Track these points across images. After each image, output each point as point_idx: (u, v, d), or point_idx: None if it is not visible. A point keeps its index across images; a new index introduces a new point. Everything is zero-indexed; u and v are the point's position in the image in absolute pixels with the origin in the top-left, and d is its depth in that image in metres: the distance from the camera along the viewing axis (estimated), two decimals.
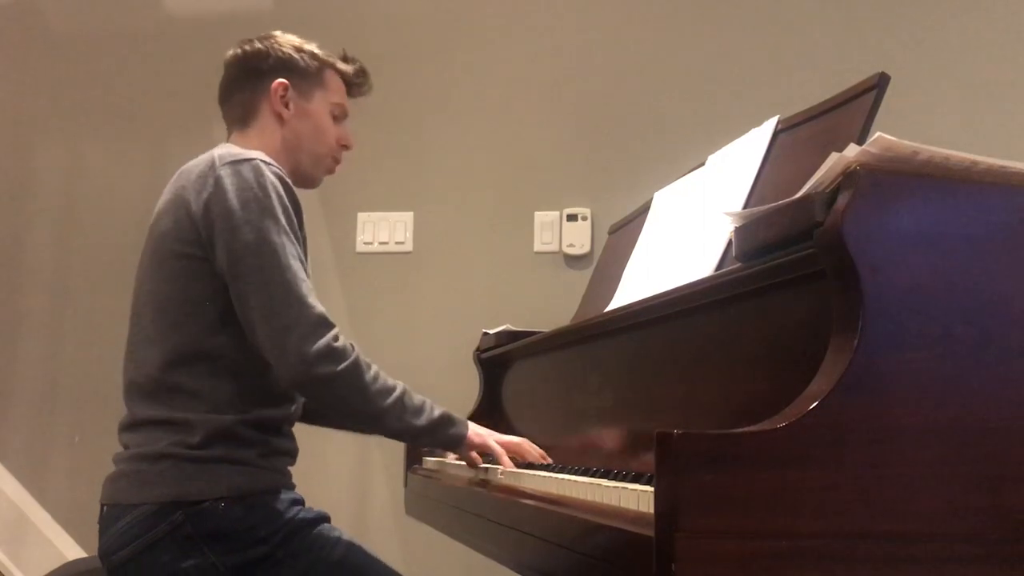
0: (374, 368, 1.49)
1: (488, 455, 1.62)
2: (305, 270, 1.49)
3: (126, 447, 1.51)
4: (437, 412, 1.55)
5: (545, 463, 1.62)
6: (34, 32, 3.10)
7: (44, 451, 2.93)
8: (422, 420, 1.52)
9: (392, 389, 1.49)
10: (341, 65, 1.75)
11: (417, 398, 1.53)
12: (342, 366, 1.42)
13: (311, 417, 1.76)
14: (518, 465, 1.59)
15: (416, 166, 2.87)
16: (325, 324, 1.44)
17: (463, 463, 1.69)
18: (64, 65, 3.08)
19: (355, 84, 1.78)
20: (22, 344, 2.99)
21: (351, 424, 1.73)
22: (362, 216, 2.86)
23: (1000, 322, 0.95)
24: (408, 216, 2.84)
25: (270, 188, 1.47)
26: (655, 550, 0.85)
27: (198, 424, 1.45)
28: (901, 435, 0.90)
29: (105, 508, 1.49)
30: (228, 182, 1.47)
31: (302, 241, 1.53)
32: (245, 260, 1.44)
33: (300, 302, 1.43)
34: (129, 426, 1.51)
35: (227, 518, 1.42)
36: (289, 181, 1.53)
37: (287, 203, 1.49)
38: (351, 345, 1.46)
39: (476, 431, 1.62)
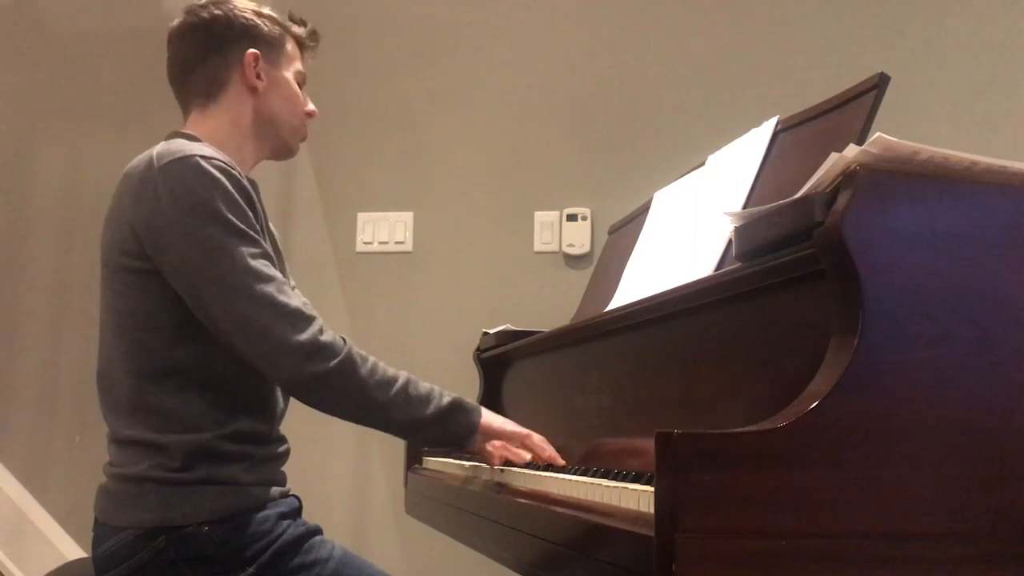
0: (371, 360, 1.41)
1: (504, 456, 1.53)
2: (273, 263, 1.41)
3: (112, 461, 1.46)
4: (446, 399, 1.46)
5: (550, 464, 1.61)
6: (34, 32, 3.10)
7: (44, 451, 2.93)
8: (430, 410, 1.43)
9: (394, 380, 1.42)
10: (296, 29, 1.65)
11: (423, 386, 1.45)
12: (334, 362, 1.36)
13: None
14: (518, 465, 1.58)
15: (416, 166, 2.87)
16: (304, 317, 1.36)
17: (469, 463, 1.62)
18: (64, 65, 3.08)
19: (309, 47, 1.67)
20: (22, 344, 2.99)
21: (355, 421, 1.67)
22: (362, 216, 2.86)
23: (1000, 322, 0.95)
24: (408, 216, 2.84)
25: (211, 187, 1.37)
26: (655, 550, 0.85)
27: (175, 446, 1.38)
28: (901, 435, 0.90)
29: (96, 521, 1.45)
30: (164, 189, 1.37)
31: (264, 230, 1.45)
32: (200, 274, 1.35)
33: (269, 302, 1.35)
34: (112, 441, 1.46)
35: (211, 541, 1.36)
36: (236, 171, 1.42)
37: (235, 197, 1.39)
38: (341, 339, 1.39)
39: (491, 420, 1.51)
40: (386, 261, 2.85)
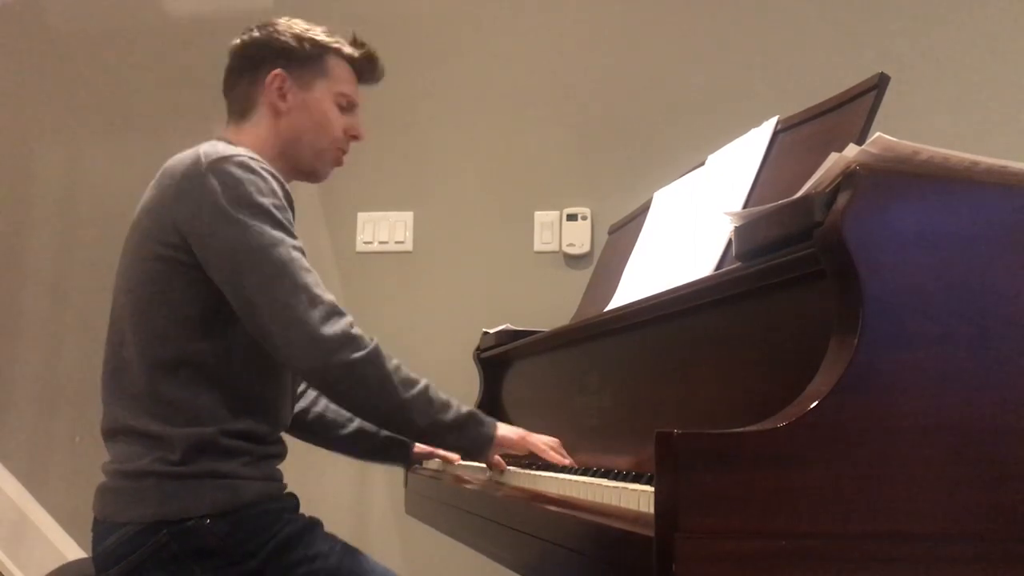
0: (395, 359, 1.44)
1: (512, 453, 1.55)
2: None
3: (112, 459, 1.46)
4: (464, 409, 1.49)
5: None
6: (34, 32, 3.10)
7: (44, 451, 2.93)
8: (449, 416, 1.46)
9: (416, 381, 1.45)
10: (347, 50, 1.64)
11: (443, 394, 1.48)
12: (363, 352, 1.39)
13: (313, 433, 1.76)
14: (521, 466, 1.58)
15: (416, 166, 2.87)
16: (338, 312, 1.40)
17: (473, 464, 1.63)
18: (64, 65, 3.08)
19: (363, 70, 1.67)
20: (22, 344, 2.99)
21: (375, 418, 1.58)
22: (362, 216, 2.86)
23: (1000, 322, 0.95)
24: (408, 216, 2.84)
25: (260, 183, 1.41)
26: (655, 550, 0.85)
27: (177, 439, 1.39)
28: (901, 435, 0.90)
29: (96, 520, 1.45)
30: (214, 183, 1.40)
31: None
32: (243, 263, 1.38)
33: (308, 293, 1.38)
34: (112, 433, 1.46)
35: (213, 535, 1.37)
36: (279, 176, 1.46)
37: (279, 196, 1.43)
38: (370, 336, 1.43)
39: (506, 432, 1.54)
40: (386, 261, 2.85)
